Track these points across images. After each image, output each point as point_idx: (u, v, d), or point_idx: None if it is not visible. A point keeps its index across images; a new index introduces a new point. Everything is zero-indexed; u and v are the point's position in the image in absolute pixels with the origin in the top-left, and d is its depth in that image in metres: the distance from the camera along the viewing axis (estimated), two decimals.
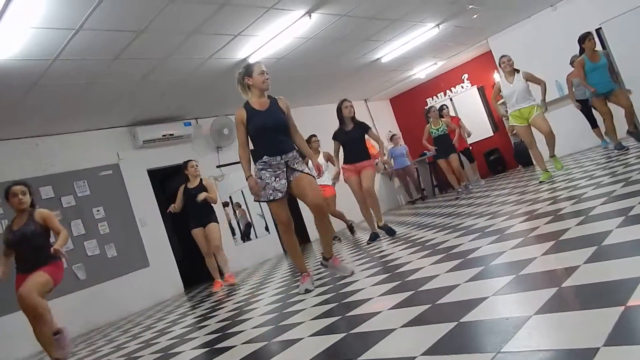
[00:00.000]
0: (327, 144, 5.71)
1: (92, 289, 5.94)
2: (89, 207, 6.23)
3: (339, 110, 5.08)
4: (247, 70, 3.23)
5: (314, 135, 6.45)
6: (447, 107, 8.03)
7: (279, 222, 3.29)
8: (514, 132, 9.36)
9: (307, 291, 3.18)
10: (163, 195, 7.82)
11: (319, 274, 3.89)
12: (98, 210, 6.31)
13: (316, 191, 3.22)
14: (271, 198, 3.17)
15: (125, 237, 6.43)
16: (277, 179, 3.18)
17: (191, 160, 5.61)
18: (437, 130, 7.18)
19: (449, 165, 7.20)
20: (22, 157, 5.86)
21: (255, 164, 3.25)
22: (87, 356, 3.84)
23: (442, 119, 7.30)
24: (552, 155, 5.38)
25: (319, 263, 3.66)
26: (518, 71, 5.22)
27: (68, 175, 6.17)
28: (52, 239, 3.75)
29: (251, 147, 3.29)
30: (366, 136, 5.13)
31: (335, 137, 5.19)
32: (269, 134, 3.19)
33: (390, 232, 4.95)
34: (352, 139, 5.06)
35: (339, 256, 3.73)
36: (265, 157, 3.17)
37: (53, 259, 3.59)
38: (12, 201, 3.63)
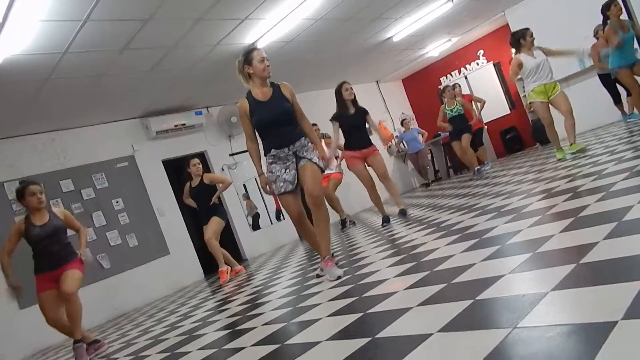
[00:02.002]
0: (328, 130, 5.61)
1: (117, 277, 6.11)
2: (108, 198, 6.35)
3: (339, 93, 4.93)
4: (247, 57, 3.07)
5: (315, 125, 6.38)
6: (460, 86, 7.84)
7: (291, 215, 3.17)
8: (532, 109, 9.21)
9: (339, 277, 2.92)
10: (179, 185, 7.91)
11: (334, 256, 3.91)
12: (117, 202, 6.43)
13: (316, 181, 3.08)
14: (282, 190, 3.09)
15: (144, 227, 6.56)
16: (287, 170, 3.10)
17: (194, 158, 5.64)
18: (452, 110, 7.00)
19: (457, 147, 7.06)
20: (40, 153, 5.98)
21: (266, 156, 3.16)
22: (116, 340, 3.97)
23: (456, 99, 7.15)
24: (573, 143, 4.99)
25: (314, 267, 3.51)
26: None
27: (86, 169, 6.29)
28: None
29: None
30: (380, 119, 5.06)
31: (335, 118, 4.97)
32: (274, 127, 3.07)
33: (405, 214, 4.94)
34: (355, 124, 4.96)
35: (340, 253, 3.71)
36: (273, 150, 3.08)
37: (76, 255, 3.69)
38: (30, 200, 3.52)
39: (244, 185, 8.06)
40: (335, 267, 3.02)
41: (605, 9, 5.36)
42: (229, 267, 5.52)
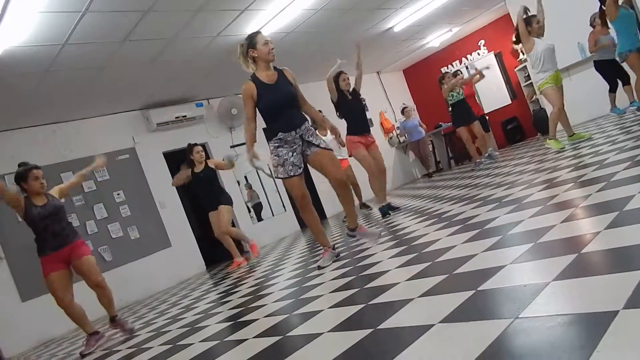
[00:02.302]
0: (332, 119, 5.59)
1: (119, 269, 6.13)
2: (109, 191, 6.36)
3: (336, 83, 4.90)
4: (251, 41, 3.09)
5: (320, 111, 6.35)
6: (461, 73, 7.76)
7: (297, 198, 3.21)
8: (533, 99, 9.18)
9: (321, 267, 3.17)
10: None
11: (336, 248, 3.93)
12: (118, 194, 6.44)
13: (337, 166, 3.22)
14: (291, 174, 3.12)
15: (146, 219, 6.57)
16: (295, 153, 3.15)
17: (196, 145, 5.62)
18: (453, 96, 6.79)
19: (470, 133, 6.85)
20: (41, 145, 5.98)
21: (269, 142, 3.19)
22: (119, 332, 3.99)
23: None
24: (572, 134, 5.10)
25: (346, 234, 3.66)
26: None
27: (87, 161, 6.25)
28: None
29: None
30: (381, 111, 5.06)
31: (338, 106, 4.94)
32: (282, 110, 3.11)
33: (387, 213, 4.89)
34: (357, 109, 4.95)
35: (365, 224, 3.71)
36: (280, 133, 3.10)
37: (78, 234, 3.75)
38: (32, 184, 3.49)
39: (245, 177, 8.07)
40: (371, 229, 3.31)
41: None
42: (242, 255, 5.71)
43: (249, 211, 7.90)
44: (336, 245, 4.01)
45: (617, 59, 5.68)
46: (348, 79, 4.95)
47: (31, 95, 5.13)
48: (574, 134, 4.97)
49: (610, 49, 5.95)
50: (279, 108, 3.11)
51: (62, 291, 3.50)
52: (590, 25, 6.33)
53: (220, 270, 6.08)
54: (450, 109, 6.96)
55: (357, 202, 6.62)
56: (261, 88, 3.11)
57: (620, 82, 6.24)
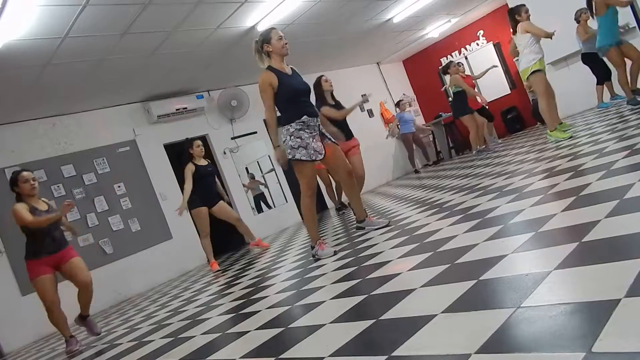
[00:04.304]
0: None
1: (120, 262, 6.15)
2: (110, 183, 6.36)
3: (318, 85, 4.99)
4: (265, 37, 3.20)
5: None
6: (462, 65, 7.73)
7: (310, 185, 3.24)
8: (532, 89, 9.13)
9: (335, 253, 3.22)
10: (181, 169, 7.90)
11: (337, 239, 3.94)
12: (119, 186, 6.44)
13: (345, 160, 3.48)
14: (313, 158, 3.18)
15: (147, 212, 6.58)
16: (315, 140, 3.22)
17: (196, 139, 5.47)
18: (456, 86, 6.86)
19: (473, 121, 6.87)
20: (41, 138, 5.98)
21: (288, 124, 3.18)
22: (120, 325, 4.02)
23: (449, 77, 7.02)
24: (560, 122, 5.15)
25: (355, 228, 3.75)
26: None
27: (87, 154, 6.29)
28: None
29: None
30: (381, 101, 5.10)
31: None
32: (303, 97, 3.24)
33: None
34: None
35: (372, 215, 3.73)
36: (305, 117, 3.17)
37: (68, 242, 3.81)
38: (23, 187, 3.55)
39: (246, 168, 8.07)
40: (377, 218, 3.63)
41: None
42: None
43: (257, 202, 7.94)
44: (337, 236, 4.02)
45: (598, 53, 5.76)
46: (330, 80, 5.11)
47: (31, 89, 5.12)
48: (555, 129, 4.91)
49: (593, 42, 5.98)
50: (301, 95, 3.24)
51: (54, 294, 3.56)
52: (576, 20, 6.38)
53: (221, 262, 6.10)
54: (450, 99, 6.98)
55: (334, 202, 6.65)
56: (281, 76, 3.18)
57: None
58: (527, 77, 4.96)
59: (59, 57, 4.61)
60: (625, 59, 5.62)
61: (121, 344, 3.13)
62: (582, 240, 1.59)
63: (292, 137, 3.16)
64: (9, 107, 5.38)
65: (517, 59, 5.36)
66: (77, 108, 6.25)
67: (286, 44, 3.20)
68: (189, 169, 5.22)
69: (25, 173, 3.61)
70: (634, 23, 6.19)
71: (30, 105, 5.59)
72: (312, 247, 3.35)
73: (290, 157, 3.17)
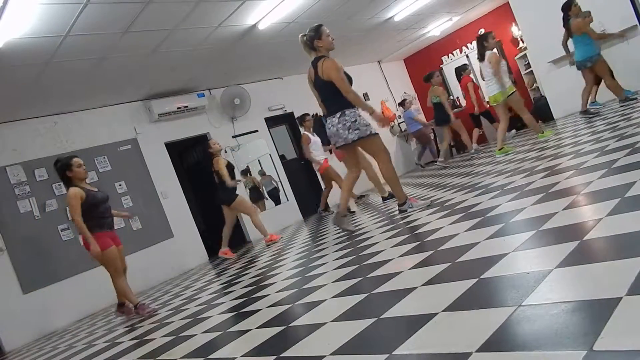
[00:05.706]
0: None
1: None
2: (111, 182, 6.36)
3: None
4: (317, 33, 3.66)
5: (307, 114, 6.47)
6: (440, 75, 7.90)
7: (388, 152, 3.75)
8: (533, 86, 9.13)
9: (405, 211, 3.74)
10: (182, 168, 7.92)
11: (338, 237, 3.94)
12: (120, 185, 6.44)
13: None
14: (375, 132, 3.65)
15: (148, 210, 6.59)
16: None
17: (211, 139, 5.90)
18: (435, 98, 7.27)
19: (450, 132, 7.57)
20: (43, 136, 5.98)
21: (353, 108, 3.63)
22: (121, 324, 4.03)
23: (433, 87, 7.26)
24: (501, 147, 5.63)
25: (398, 212, 3.95)
26: None
27: (88, 152, 6.28)
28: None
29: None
30: (382, 100, 5.13)
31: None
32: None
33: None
34: None
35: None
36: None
37: None
38: (77, 171, 3.82)
39: (247, 166, 8.07)
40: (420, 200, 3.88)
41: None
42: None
43: (266, 198, 8.03)
44: (339, 235, 4.02)
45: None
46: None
47: (33, 87, 5.12)
48: (503, 147, 5.50)
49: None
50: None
51: (120, 264, 3.94)
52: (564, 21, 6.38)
53: (223, 261, 6.10)
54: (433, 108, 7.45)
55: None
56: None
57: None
58: (508, 97, 5.52)
59: (60, 55, 4.61)
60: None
61: (122, 342, 3.14)
62: (584, 239, 1.58)
63: (359, 118, 3.60)
64: (10, 106, 5.38)
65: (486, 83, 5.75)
66: (78, 106, 6.25)
67: (333, 40, 3.70)
68: (222, 162, 5.74)
69: (76, 158, 3.88)
70: (635, 21, 6.16)
71: (32, 104, 5.59)
72: (401, 205, 3.83)
73: (368, 132, 3.60)
